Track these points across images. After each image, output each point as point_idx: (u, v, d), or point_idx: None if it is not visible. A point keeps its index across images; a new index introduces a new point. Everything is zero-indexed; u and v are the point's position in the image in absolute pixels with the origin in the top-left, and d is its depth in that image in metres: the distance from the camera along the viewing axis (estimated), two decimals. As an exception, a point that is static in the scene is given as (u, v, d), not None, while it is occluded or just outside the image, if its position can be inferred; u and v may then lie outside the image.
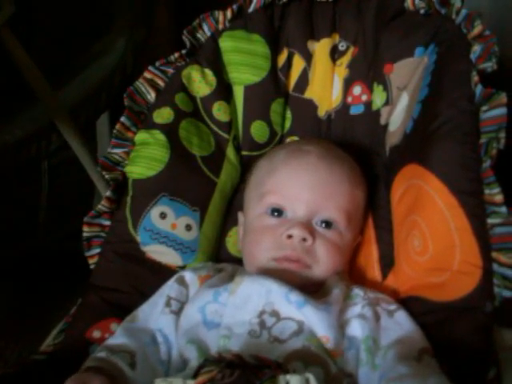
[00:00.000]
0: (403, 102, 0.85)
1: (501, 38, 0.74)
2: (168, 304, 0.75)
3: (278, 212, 0.80)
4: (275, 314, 0.69)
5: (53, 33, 1.05)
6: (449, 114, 0.73)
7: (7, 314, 1.27)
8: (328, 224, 0.79)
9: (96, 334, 0.77)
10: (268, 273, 0.75)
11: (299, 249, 0.77)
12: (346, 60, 0.95)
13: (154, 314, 0.75)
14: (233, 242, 0.93)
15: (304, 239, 0.77)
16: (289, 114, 0.99)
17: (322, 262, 0.77)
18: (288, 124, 0.99)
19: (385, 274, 0.81)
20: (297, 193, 0.80)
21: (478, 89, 0.71)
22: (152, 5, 1.26)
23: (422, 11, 0.85)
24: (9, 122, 1.00)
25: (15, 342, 1.16)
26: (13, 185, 1.13)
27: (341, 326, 0.69)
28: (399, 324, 0.70)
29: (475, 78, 0.72)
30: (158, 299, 0.76)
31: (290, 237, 0.77)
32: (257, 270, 0.79)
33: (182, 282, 0.78)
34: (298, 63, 0.96)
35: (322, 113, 0.97)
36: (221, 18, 0.94)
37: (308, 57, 0.96)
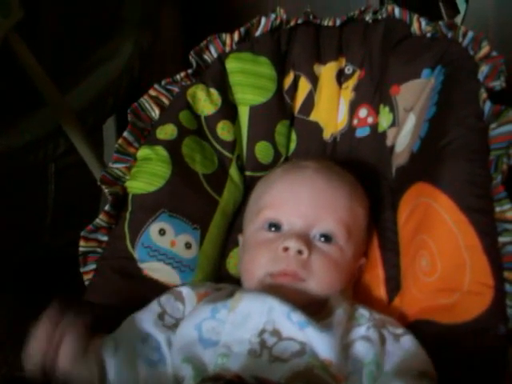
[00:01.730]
0: (410, 123, 0.85)
1: (507, 50, 0.73)
2: (161, 317, 0.72)
3: (274, 227, 0.78)
4: (276, 333, 0.66)
5: (60, 37, 1.06)
6: (457, 132, 0.72)
7: (9, 321, 1.22)
8: (327, 238, 0.77)
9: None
10: (265, 290, 0.72)
11: (294, 262, 0.74)
12: (352, 83, 0.95)
13: (148, 318, 0.72)
14: (234, 263, 0.90)
15: (300, 251, 0.74)
16: (294, 136, 0.98)
17: (318, 276, 0.74)
18: (293, 146, 0.98)
19: (391, 298, 0.78)
20: (293, 206, 0.78)
21: (487, 106, 0.71)
22: (159, 9, 1.27)
23: (428, 35, 0.86)
24: (16, 125, 1.00)
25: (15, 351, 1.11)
26: (20, 189, 1.12)
27: (344, 348, 0.66)
28: (405, 350, 0.66)
29: (483, 95, 0.72)
30: (153, 307, 0.73)
31: (285, 249, 0.74)
32: (254, 287, 0.76)
33: (178, 298, 0.75)
34: (304, 86, 0.96)
35: (327, 135, 0.96)
36: (228, 41, 0.94)
37: (314, 80, 0.96)
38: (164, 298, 0.75)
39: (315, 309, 0.71)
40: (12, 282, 1.24)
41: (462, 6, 0.80)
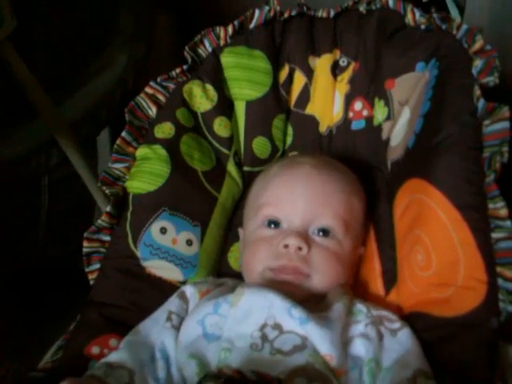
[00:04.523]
0: (405, 116, 0.85)
1: (502, 49, 0.74)
2: (169, 318, 0.74)
3: (274, 224, 0.80)
4: (278, 327, 0.68)
5: (54, 48, 1.04)
6: (451, 129, 0.73)
7: (5, 333, 1.25)
8: (325, 232, 0.79)
9: (95, 350, 0.75)
10: (266, 284, 0.74)
11: (295, 258, 0.76)
12: (346, 76, 0.95)
13: (155, 328, 0.74)
14: (235, 257, 0.92)
15: (300, 248, 0.76)
16: (290, 130, 0.99)
17: (321, 271, 0.76)
18: (289, 140, 0.99)
19: (388, 290, 0.80)
20: (291, 203, 0.80)
21: (481, 103, 0.71)
22: (153, 20, 1.26)
23: (422, 27, 0.86)
24: (8, 136, 0.99)
25: (12, 360, 1.14)
26: (12, 200, 1.12)
27: (344, 343, 0.68)
28: (401, 343, 0.68)
29: (477, 92, 0.72)
30: (160, 314, 0.76)
31: (286, 246, 0.76)
32: (255, 281, 0.78)
33: (182, 297, 0.77)
34: (299, 79, 0.97)
35: (323, 129, 0.97)
36: (222, 34, 0.94)
37: (309, 73, 0.96)
38: (169, 301, 0.77)
39: (315, 302, 0.73)
40: (5, 293, 1.24)
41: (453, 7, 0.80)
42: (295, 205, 0.79)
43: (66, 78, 1.07)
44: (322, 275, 0.76)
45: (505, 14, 1.19)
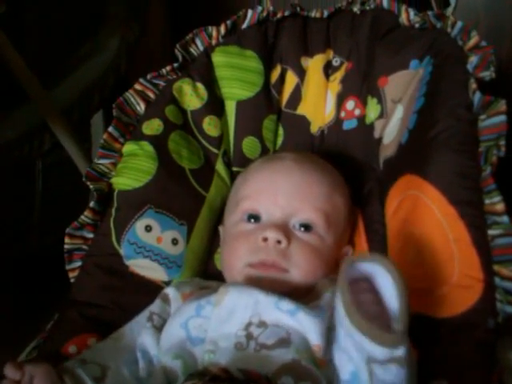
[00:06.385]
0: (398, 114, 0.83)
1: (497, 41, 0.72)
2: (150, 319, 0.73)
3: (254, 218, 0.78)
4: (262, 324, 0.65)
5: (45, 32, 1.04)
6: (446, 123, 0.71)
7: None
8: (306, 227, 0.76)
9: (72, 349, 0.73)
10: (247, 282, 0.72)
11: (274, 252, 0.73)
12: (339, 75, 0.93)
13: (135, 328, 0.72)
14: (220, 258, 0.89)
15: (279, 241, 0.73)
16: (281, 131, 0.97)
17: (300, 266, 0.73)
18: (280, 140, 0.97)
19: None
20: (271, 197, 0.77)
21: (476, 97, 0.70)
22: (146, 3, 1.25)
23: (417, 25, 0.84)
24: (0, 121, 0.98)
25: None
26: (6, 186, 1.10)
27: (329, 330, 0.65)
28: None
29: (473, 85, 0.71)
30: (141, 315, 0.74)
31: (264, 240, 0.74)
32: (235, 278, 0.76)
33: (164, 300, 0.75)
34: (291, 79, 0.95)
35: (314, 129, 0.95)
36: (214, 34, 0.93)
37: (301, 73, 0.95)
38: (152, 304, 0.75)
39: (301, 294, 0.71)
40: (0, 281, 1.22)
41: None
42: (275, 198, 0.77)
43: (58, 62, 1.06)
44: (300, 270, 0.73)
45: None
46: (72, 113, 1.07)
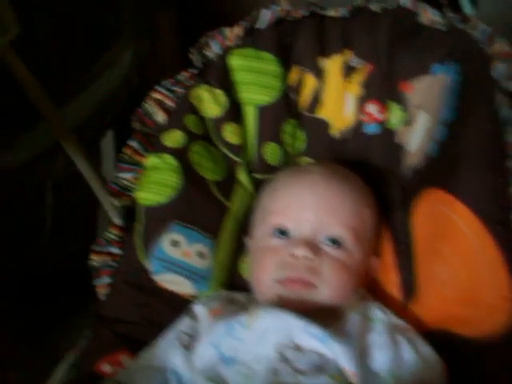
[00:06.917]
0: (421, 121, 0.82)
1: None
2: (179, 338, 0.73)
3: (282, 233, 0.78)
4: (296, 347, 0.66)
5: (56, 50, 1.01)
6: (475, 138, 0.70)
7: (8, 339, 1.23)
8: (335, 243, 0.76)
9: (106, 367, 0.74)
10: (276, 299, 0.73)
11: (303, 268, 0.74)
12: (358, 77, 0.91)
13: (165, 349, 0.73)
14: (246, 267, 0.89)
15: (308, 258, 0.74)
16: (302, 135, 0.95)
17: (329, 282, 0.74)
18: (300, 145, 0.95)
19: (406, 303, 0.77)
20: (300, 212, 0.77)
21: (504, 109, 0.69)
22: (155, 17, 1.22)
23: (438, 27, 0.82)
24: (13, 143, 0.97)
25: (17, 370, 1.12)
26: (17, 201, 1.10)
27: (361, 353, 0.66)
28: (420, 354, 0.67)
29: (500, 98, 0.69)
30: (170, 335, 0.75)
31: (293, 256, 0.74)
32: (264, 295, 0.76)
33: (192, 317, 0.76)
34: (309, 82, 0.93)
35: (334, 132, 0.94)
36: (229, 35, 0.91)
37: (319, 75, 0.92)
38: (180, 321, 0.76)
39: (328, 312, 0.72)
40: (12, 295, 1.23)
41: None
42: (303, 213, 0.77)
43: (70, 80, 1.04)
44: (330, 287, 0.74)
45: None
46: (84, 130, 1.05)
